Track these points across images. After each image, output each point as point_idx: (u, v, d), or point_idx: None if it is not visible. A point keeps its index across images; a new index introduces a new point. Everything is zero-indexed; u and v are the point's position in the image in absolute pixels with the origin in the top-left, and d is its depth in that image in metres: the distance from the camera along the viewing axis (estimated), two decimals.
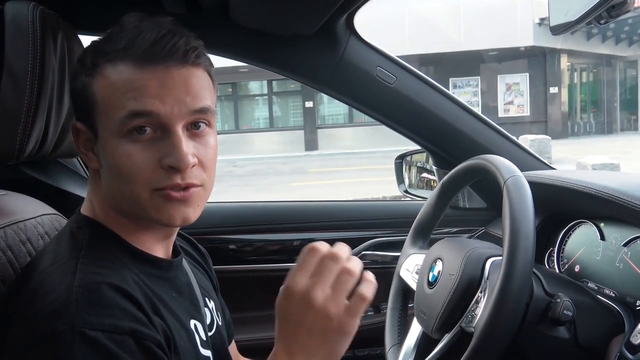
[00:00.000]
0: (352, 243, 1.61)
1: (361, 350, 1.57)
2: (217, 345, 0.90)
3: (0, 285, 0.79)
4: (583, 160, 9.11)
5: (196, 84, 0.75)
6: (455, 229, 1.62)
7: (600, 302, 1.01)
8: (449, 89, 1.89)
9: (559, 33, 0.88)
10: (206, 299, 0.94)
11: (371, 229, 1.62)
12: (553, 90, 17.85)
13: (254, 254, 1.62)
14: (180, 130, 0.74)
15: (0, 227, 0.85)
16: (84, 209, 0.82)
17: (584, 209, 1.20)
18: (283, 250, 1.62)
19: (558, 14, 0.89)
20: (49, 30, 0.95)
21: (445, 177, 1.17)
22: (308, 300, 0.69)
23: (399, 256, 1.25)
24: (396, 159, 1.80)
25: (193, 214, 0.78)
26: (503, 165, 0.97)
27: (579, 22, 0.80)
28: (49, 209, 1.03)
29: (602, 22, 0.75)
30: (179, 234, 0.93)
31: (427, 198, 1.24)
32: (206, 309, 0.92)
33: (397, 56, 1.46)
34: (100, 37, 0.78)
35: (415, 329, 1.14)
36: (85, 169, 1.49)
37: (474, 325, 0.90)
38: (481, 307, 0.91)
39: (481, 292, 0.94)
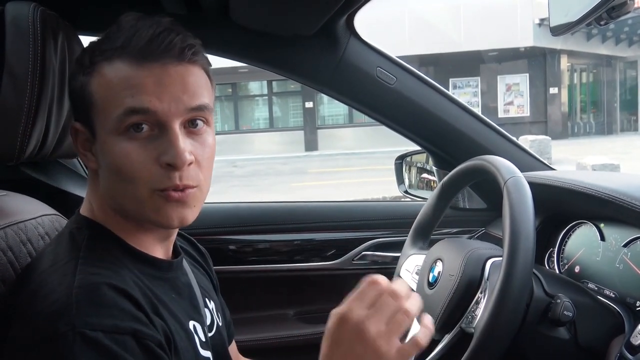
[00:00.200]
0: (352, 243, 1.61)
1: None
2: (217, 346, 0.90)
3: (0, 285, 0.79)
4: (583, 160, 9.11)
5: (193, 81, 0.75)
6: (455, 230, 1.62)
7: (601, 303, 1.01)
8: (448, 90, 1.89)
9: (559, 34, 0.88)
10: (206, 299, 0.94)
11: (371, 229, 1.62)
12: (553, 90, 17.86)
13: (254, 254, 1.62)
14: (177, 127, 0.74)
15: (1, 227, 0.85)
16: (83, 210, 0.82)
17: (584, 210, 1.20)
18: (283, 251, 1.62)
19: (558, 15, 0.89)
20: (49, 30, 0.95)
21: (446, 178, 1.17)
22: (361, 331, 0.66)
23: (399, 257, 1.25)
24: (396, 160, 1.80)
25: (191, 214, 0.78)
26: (503, 165, 0.97)
27: (579, 23, 0.80)
28: (50, 210, 1.03)
29: (602, 23, 0.75)
30: (179, 234, 0.93)
31: (427, 199, 1.24)
32: (206, 309, 0.92)
33: (397, 56, 1.46)
34: (98, 38, 0.78)
35: (415, 330, 1.14)
36: (85, 169, 1.49)
37: (474, 325, 0.90)
38: (481, 308, 0.91)
39: (481, 293, 0.94)
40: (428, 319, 0.71)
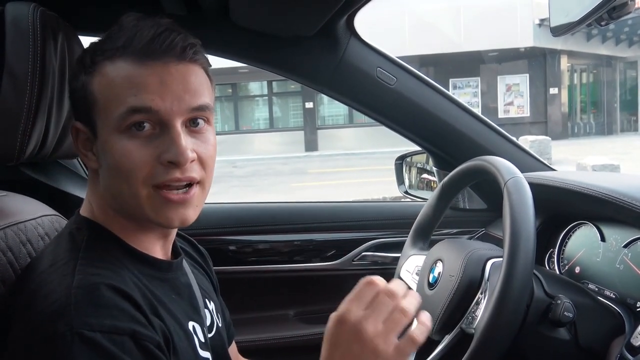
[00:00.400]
0: (352, 244, 1.61)
1: None
2: (217, 346, 0.90)
3: (0, 286, 0.79)
4: (583, 161, 9.11)
5: (194, 80, 0.76)
6: (455, 230, 1.62)
7: (601, 304, 1.01)
8: (449, 90, 1.89)
9: (560, 34, 0.87)
10: (206, 300, 0.94)
11: (371, 230, 1.62)
12: (553, 91, 17.85)
13: (254, 254, 1.62)
14: (179, 126, 0.74)
15: (1, 228, 0.85)
16: (83, 210, 0.82)
17: (584, 210, 1.20)
18: (283, 251, 1.62)
19: (559, 15, 0.89)
20: (49, 31, 0.95)
21: (446, 179, 1.17)
22: (358, 331, 0.67)
23: (399, 257, 1.25)
24: (396, 160, 1.80)
25: (193, 214, 0.78)
26: (503, 166, 0.97)
27: (580, 24, 0.80)
28: (49, 210, 1.03)
29: (603, 23, 0.74)
30: (178, 235, 0.93)
31: (427, 199, 1.24)
32: (206, 310, 0.92)
33: (397, 57, 1.46)
34: (98, 38, 0.78)
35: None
36: (85, 169, 1.49)
37: (474, 326, 0.90)
38: (482, 309, 0.91)
39: (482, 294, 0.94)
40: (425, 316, 0.71)
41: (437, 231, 1.25)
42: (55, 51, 0.97)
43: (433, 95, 1.48)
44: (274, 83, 18.66)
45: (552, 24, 0.90)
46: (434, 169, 1.64)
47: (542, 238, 1.25)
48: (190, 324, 0.82)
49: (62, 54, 1.00)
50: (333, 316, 0.69)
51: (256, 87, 19.38)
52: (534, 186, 0.95)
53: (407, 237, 1.25)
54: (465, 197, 1.62)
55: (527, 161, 1.51)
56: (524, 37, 15.86)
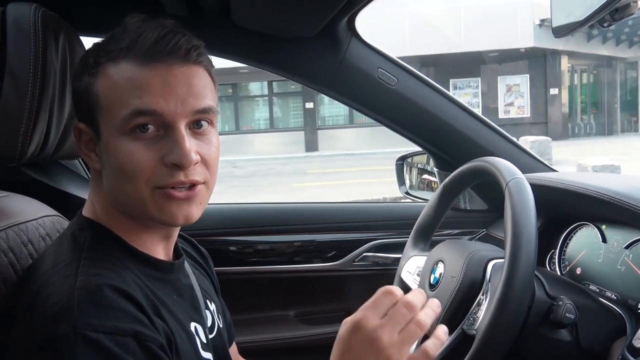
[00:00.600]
0: (353, 245, 1.61)
1: None
2: (218, 347, 0.90)
3: (1, 286, 0.79)
4: (583, 161, 9.11)
5: (198, 83, 0.76)
6: (456, 231, 1.62)
7: (602, 305, 1.00)
8: (449, 90, 1.89)
9: (562, 35, 0.87)
10: (207, 301, 0.94)
11: (372, 230, 1.62)
12: (553, 91, 17.85)
13: (255, 255, 1.62)
14: (183, 128, 0.74)
15: (2, 228, 0.85)
16: (86, 211, 0.82)
17: (585, 212, 1.20)
18: (284, 252, 1.62)
19: (560, 16, 0.89)
20: (50, 31, 0.95)
21: (447, 179, 1.17)
22: (373, 340, 0.66)
23: (400, 258, 1.25)
24: (397, 161, 1.80)
25: (196, 211, 0.78)
26: (505, 167, 0.97)
27: (582, 25, 0.79)
28: (50, 211, 1.03)
29: (605, 24, 0.74)
30: (180, 235, 0.93)
31: (428, 200, 1.24)
32: (207, 311, 0.92)
33: (398, 57, 1.46)
34: (102, 38, 0.78)
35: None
36: (86, 170, 1.49)
37: (475, 327, 0.90)
38: (483, 310, 0.91)
39: (483, 295, 0.94)
40: (442, 330, 0.70)
41: (438, 232, 1.25)
42: (57, 52, 0.97)
43: (434, 96, 1.48)
44: (274, 83, 18.66)
45: (554, 25, 0.90)
46: (435, 169, 1.64)
47: (544, 239, 1.25)
48: (192, 325, 0.82)
49: (63, 54, 1.00)
50: (348, 321, 0.69)
51: (256, 88, 19.38)
52: (535, 187, 0.94)
53: (408, 237, 1.25)
54: (466, 198, 1.62)
55: (527, 162, 1.51)
56: (525, 38, 15.86)
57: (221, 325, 0.96)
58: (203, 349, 0.82)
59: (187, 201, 0.76)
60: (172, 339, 0.73)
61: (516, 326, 0.86)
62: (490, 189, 1.51)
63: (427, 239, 1.23)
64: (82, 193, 1.37)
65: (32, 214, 0.95)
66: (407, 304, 0.68)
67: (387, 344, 0.66)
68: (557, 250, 1.25)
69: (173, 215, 0.76)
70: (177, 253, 0.90)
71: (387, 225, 1.63)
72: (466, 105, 1.52)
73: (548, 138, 12.76)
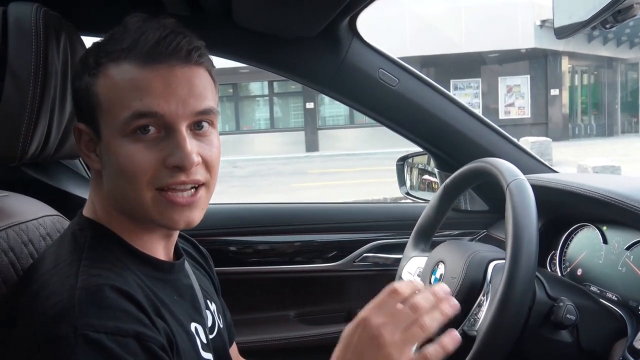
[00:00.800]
0: (354, 245, 1.61)
1: None
2: (219, 347, 0.90)
3: (2, 286, 0.79)
4: (584, 162, 9.10)
5: (199, 84, 0.76)
6: (457, 232, 1.62)
7: (603, 306, 1.00)
8: (449, 91, 1.88)
9: (564, 37, 0.87)
10: (208, 301, 0.94)
11: (372, 231, 1.62)
12: (554, 92, 17.84)
13: (255, 255, 1.62)
14: (184, 129, 0.74)
15: (2, 228, 0.85)
16: (86, 211, 0.82)
17: (586, 213, 1.19)
18: (284, 252, 1.62)
19: (562, 17, 0.88)
20: (51, 31, 0.95)
21: (448, 180, 1.17)
22: (375, 336, 0.67)
23: (400, 259, 1.25)
24: (398, 161, 1.80)
25: (198, 216, 0.78)
26: (506, 168, 0.97)
27: (584, 26, 0.79)
28: (51, 210, 1.03)
29: (607, 26, 0.74)
30: (180, 235, 0.93)
31: (428, 200, 1.24)
32: (207, 311, 0.92)
33: (398, 57, 1.46)
34: (103, 38, 0.78)
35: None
36: (87, 170, 1.49)
37: (476, 328, 0.90)
38: (484, 311, 0.91)
39: (483, 296, 0.94)
40: (449, 337, 0.69)
41: (438, 232, 1.25)
42: (58, 51, 0.97)
43: (435, 97, 1.48)
44: (274, 83, 18.66)
45: (556, 26, 0.90)
46: (436, 170, 1.64)
47: (544, 240, 1.25)
48: (192, 325, 0.82)
49: (64, 54, 1.00)
50: (355, 318, 0.69)
51: (257, 87, 19.39)
52: (536, 188, 0.94)
53: (408, 238, 1.25)
54: (467, 199, 1.62)
55: (528, 162, 1.51)
56: (525, 38, 15.86)
57: (221, 326, 0.96)
58: (203, 349, 0.82)
59: (188, 207, 0.76)
60: (173, 339, 0.73)
61: (517, 327, 0.86)
62: (491, 190, 1.51)
63: (427, 240, 1.23)
64: (83, 193, 1.37)
65: (33, 214, 0.95)
66: (413, 305, 0.68)
67: (388, 342, 0.66)
68: (558, 252, 1.24)
69: (174, 221, 0.77)
70: (177, 253, 0.90)
71: (388, 226, 1.63)
72: (467, 105, 1.52)
73: (548, 139, 12.76)
